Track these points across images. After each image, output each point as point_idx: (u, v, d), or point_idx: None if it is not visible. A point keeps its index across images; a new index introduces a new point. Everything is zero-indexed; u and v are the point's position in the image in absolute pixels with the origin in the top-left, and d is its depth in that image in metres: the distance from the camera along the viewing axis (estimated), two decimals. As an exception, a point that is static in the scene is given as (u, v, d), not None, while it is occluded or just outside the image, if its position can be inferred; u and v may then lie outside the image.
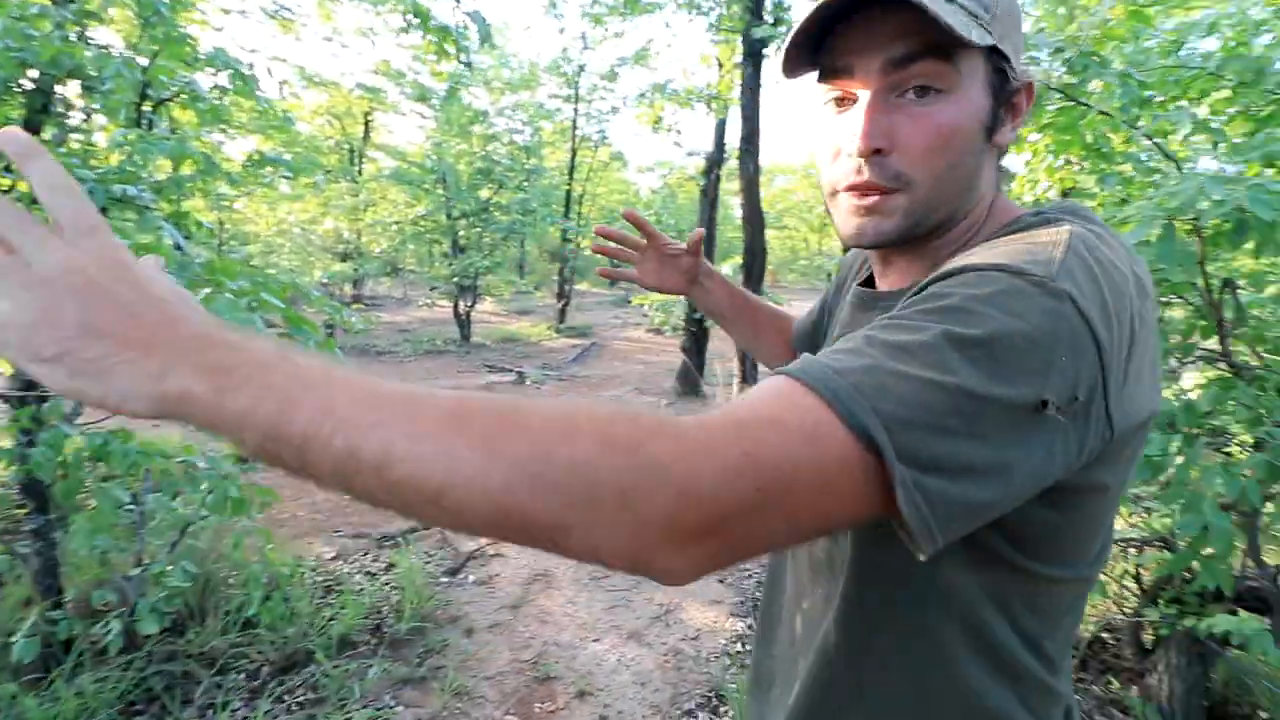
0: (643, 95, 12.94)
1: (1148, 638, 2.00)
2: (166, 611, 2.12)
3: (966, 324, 0.37)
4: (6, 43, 2.12)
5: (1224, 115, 2.05)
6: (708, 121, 6.50)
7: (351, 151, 15.64)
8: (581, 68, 12.13)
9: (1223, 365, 1.47)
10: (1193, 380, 1.63)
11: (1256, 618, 1.46)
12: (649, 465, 0.32)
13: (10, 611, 2.29)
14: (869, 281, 0.63)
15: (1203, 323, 1.56)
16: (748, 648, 2.49)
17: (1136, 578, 2.06)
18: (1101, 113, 1.58)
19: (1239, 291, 1.60)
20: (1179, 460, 1.26)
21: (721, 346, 8.50)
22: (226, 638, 2.31)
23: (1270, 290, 1.92)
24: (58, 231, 0.36)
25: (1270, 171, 1.63)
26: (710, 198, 6.55)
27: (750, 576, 3.07)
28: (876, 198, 0.49)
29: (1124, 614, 2.07)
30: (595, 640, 2.56)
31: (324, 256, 12.74)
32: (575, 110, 12.20)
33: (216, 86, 2.86)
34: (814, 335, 0.78)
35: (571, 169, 12.38)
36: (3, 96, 2.14)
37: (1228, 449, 1.53)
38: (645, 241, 0.88)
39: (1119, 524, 2.11)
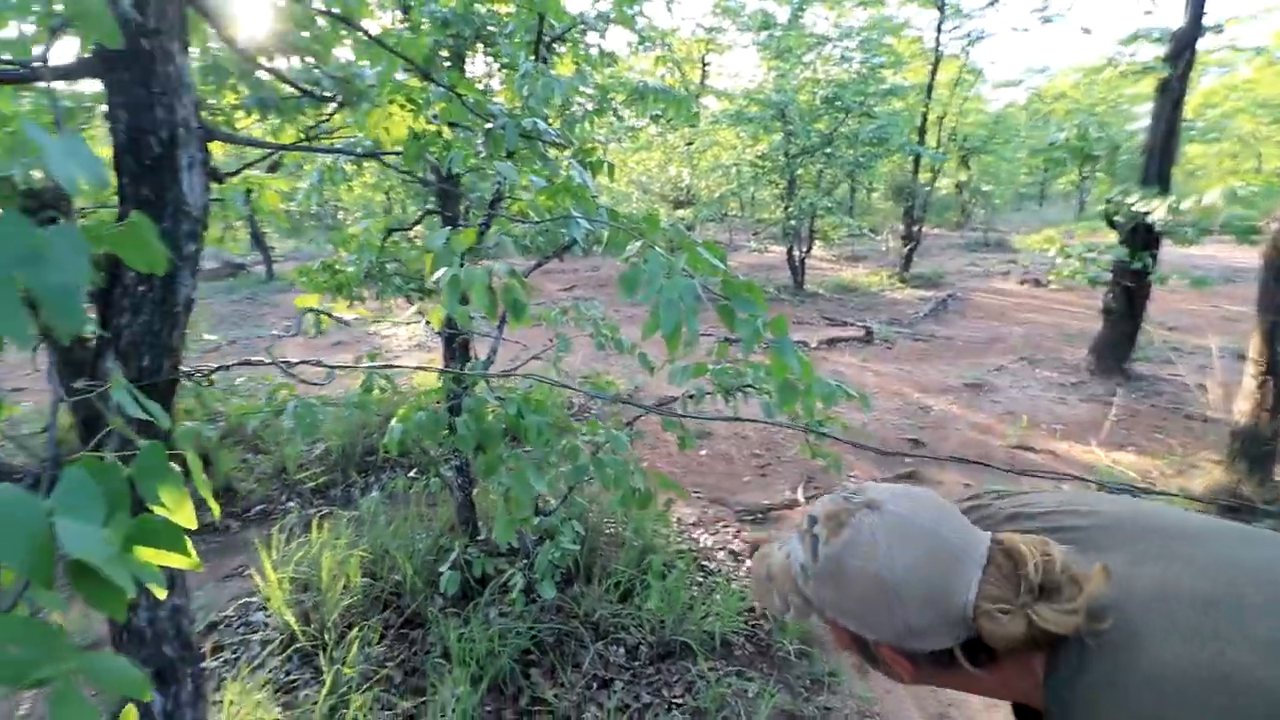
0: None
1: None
2: (558, 566, 2.08)
3: None
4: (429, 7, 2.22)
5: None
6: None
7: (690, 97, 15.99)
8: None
9: None
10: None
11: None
12: None
13: (437, 536, 2.55)
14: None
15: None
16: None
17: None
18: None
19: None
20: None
21: (1160, 309, 6.34)
22: (608, 604, 2.21)
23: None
24: None
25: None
26: (1174, 97, 4.61)
27: None
28: None
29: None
30: None
31: (663, 204, 13.38)
32: (942, 9, 10.13)
33: (600, 15, 2.69)
34: None
35: (930, 87, 10.47)
36: (432, 59, 2.23)
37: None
38: None
39: None
